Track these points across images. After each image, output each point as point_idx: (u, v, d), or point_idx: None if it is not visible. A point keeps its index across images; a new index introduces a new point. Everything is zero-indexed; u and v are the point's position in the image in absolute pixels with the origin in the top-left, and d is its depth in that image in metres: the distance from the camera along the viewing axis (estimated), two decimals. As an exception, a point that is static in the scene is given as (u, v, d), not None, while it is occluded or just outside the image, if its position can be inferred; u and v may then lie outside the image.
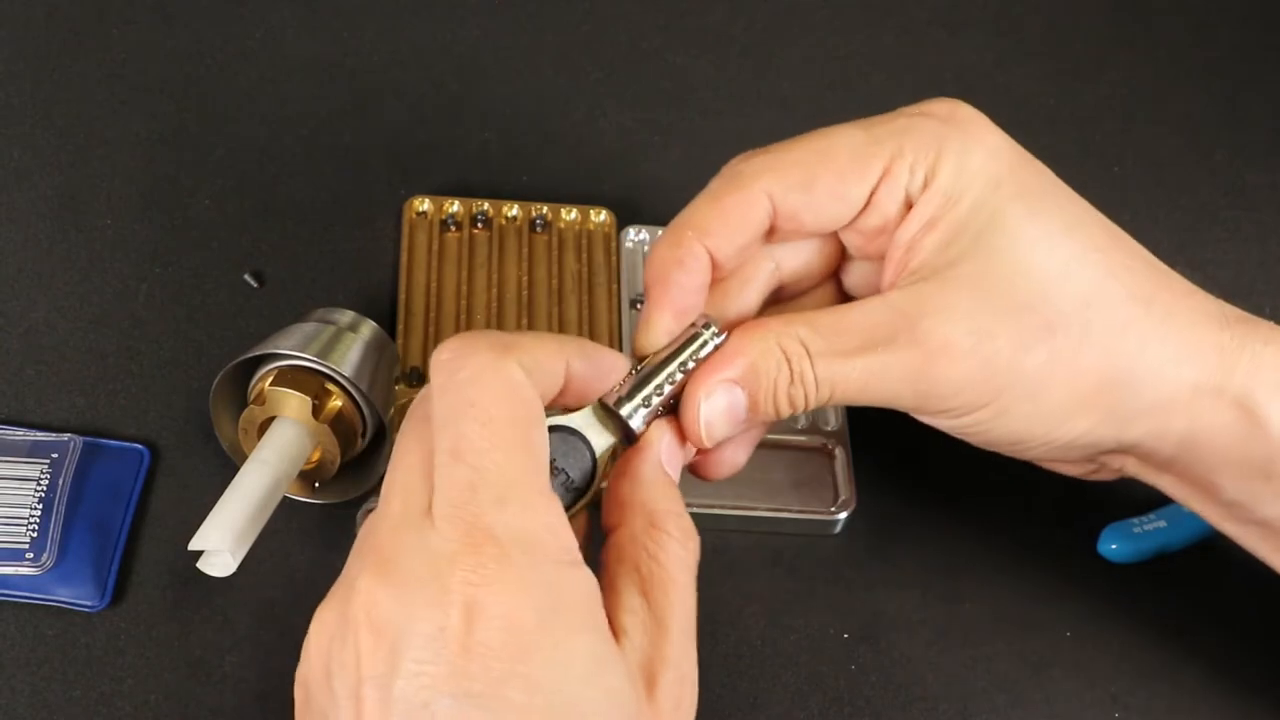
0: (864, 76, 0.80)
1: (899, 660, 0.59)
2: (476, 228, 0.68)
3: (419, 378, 0.62)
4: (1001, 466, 0.63)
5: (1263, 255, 0.75)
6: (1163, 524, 0.61)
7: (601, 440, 0.48)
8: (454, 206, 0.68)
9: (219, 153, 0.71)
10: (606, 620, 0.42)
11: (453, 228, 0.68)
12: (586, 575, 0.42)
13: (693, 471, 0.52)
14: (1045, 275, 0.48)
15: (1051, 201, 0.49)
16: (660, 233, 0.68)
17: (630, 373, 0.49)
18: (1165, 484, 0.53)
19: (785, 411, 0.49)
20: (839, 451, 0.62)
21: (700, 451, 0.50)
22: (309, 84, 0.75)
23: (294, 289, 0.66)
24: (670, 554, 0.45)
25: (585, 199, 0.70)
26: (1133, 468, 0.53)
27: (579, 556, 0.42)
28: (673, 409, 0.49)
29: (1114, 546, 0.61)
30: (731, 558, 0.60)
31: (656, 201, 0.71)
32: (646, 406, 0.48)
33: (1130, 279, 0.49)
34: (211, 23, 0.76)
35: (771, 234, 0.50)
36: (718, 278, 0.50)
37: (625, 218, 0.69)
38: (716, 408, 0.48)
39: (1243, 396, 0.49)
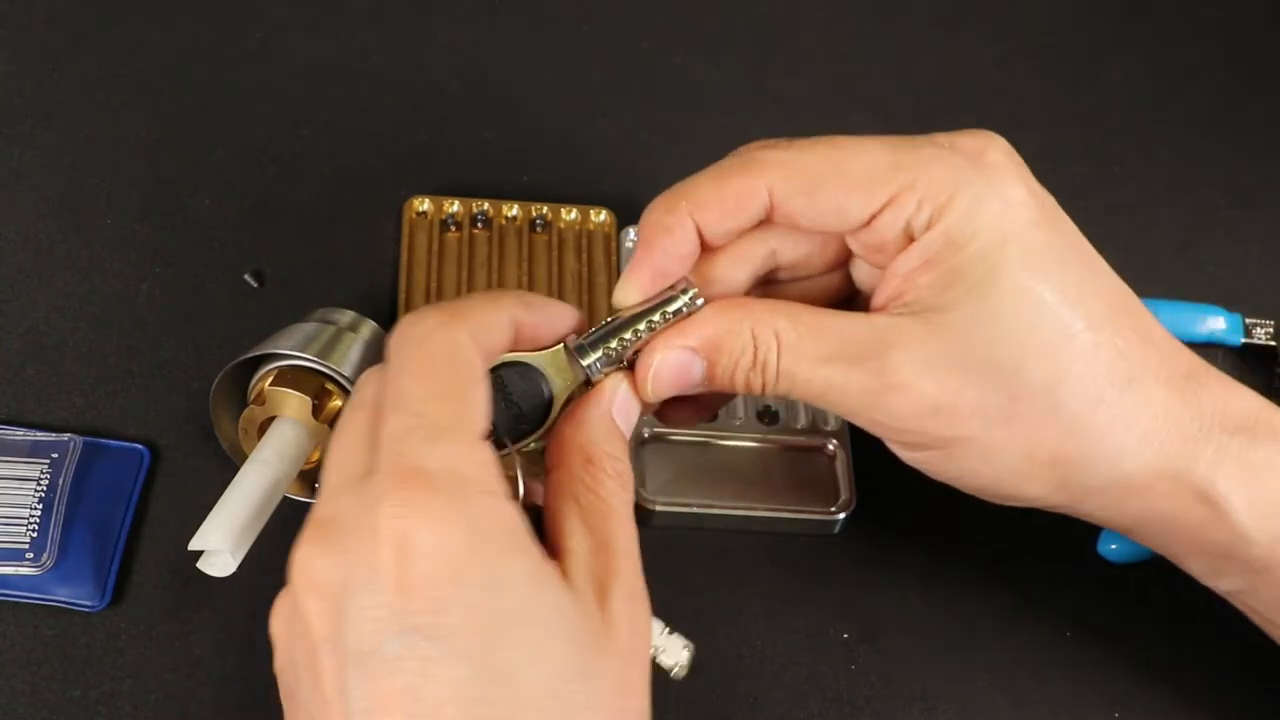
0: (864, 76, 0.80)
1: (899, 660, 0.59)
2: (476, 228, 0.68)
3: (419, 378, 0.62)
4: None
5: (1263, 255, 0.75)
6: (1163, 524, 0.61)
7: (561, 380, 0.49)
8: (454, 206, 0.69)
9: (219, 153, 0.71)
10: (539, 546, 0.43)
11: (453, 228, 0.68)
12: (514, 507, 0.43)
13: (658, 417, 0.53)
14: (1026, 345, 0.47)
15: (1056, 268, 0.48)
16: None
17: (604, 323, 0.50)
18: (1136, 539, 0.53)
19: (741, 390, 0.50)
20: (839, 451, 0.62)
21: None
22: (309, 84, 0.75)
23: (294, 289, 0.66)
24: (607, 489, 0.46)
25: (585, 199, 0.70)
26: (1099, 523, 0.53)
27: (508, 491, 0.43)
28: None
29: (1114, 546, 0.61)
30: (731, 558, 0.60)
31: (656, 201, 0.71)
32: (608, 356, 0.49)
33: (1112, 359, 0.48)
34: (211, 23, 0.76)
35: (768, 222, 0.51)
36: (706, 250, 0.51)
37: (625, 218, 0.69)
38: (668, 366, 0.49)
39: (1205, 486, 0.49)
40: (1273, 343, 0.69)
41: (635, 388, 0.49)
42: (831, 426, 0.63)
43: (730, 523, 0.61)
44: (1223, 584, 0.52)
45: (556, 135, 0.74)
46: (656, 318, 0.49)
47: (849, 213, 0.49)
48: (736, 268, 0.51)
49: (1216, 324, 0.69)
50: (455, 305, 0.46)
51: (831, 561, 0.61)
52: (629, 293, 0.50)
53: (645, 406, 0.51)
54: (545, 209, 0.69)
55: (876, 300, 0.50)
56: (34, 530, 0.56)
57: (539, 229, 0.68)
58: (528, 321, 0.48)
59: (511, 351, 0.48)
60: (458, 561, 0.40)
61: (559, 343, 0.49)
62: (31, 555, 0.56)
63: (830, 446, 0.63)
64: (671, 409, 0.53)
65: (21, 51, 0.73)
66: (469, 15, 0.79)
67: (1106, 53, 0.84)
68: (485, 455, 0.43)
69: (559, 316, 0.49)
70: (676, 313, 0.50)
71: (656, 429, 0.62)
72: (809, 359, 0.49)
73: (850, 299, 0.53)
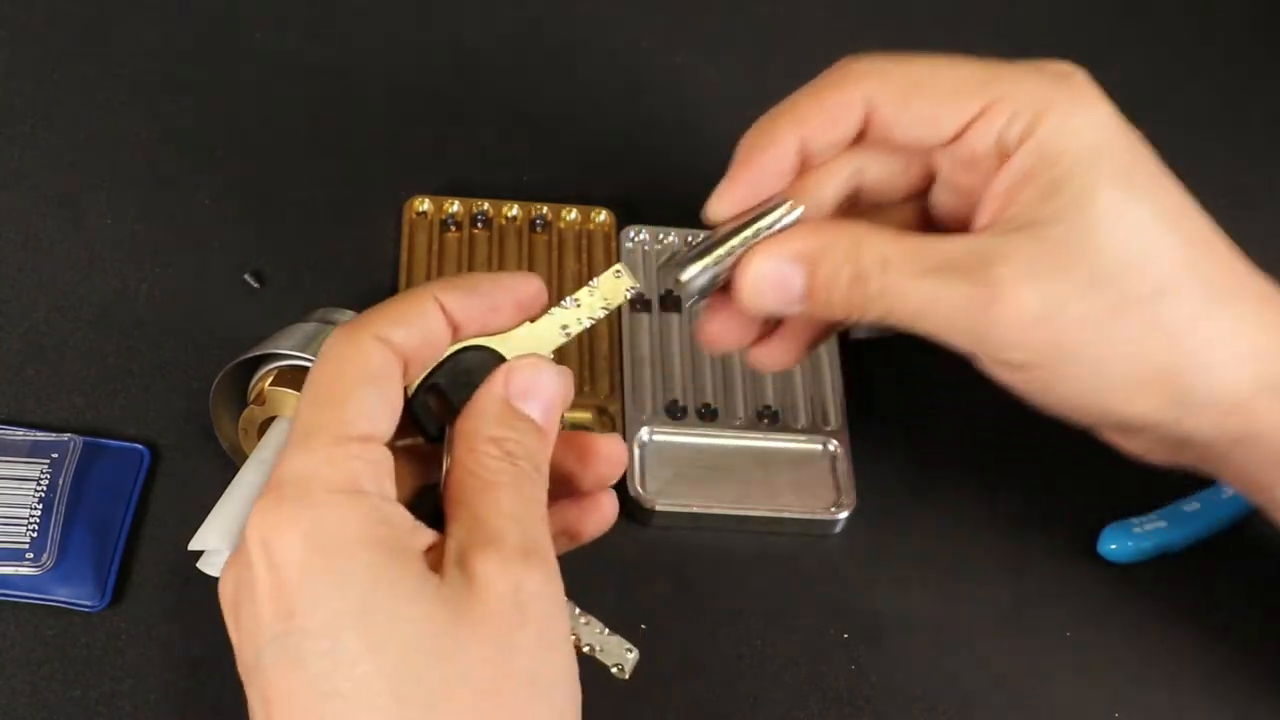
0: (864, 76, 0.80)
1: (899, 660, 0.59)
2: (476, 228, 0.68)
3: (419, 378, 0.62)
4: (1003, 467, 0.63)
5: (1263, 255, 0.74)
6: (1163, 524, 0.61)
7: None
8: (454, 206, 0.69)
9: (219, 153, 0.71)
10: (395, 534, 0.43)
11: (453, 228, 0.68)
12: (367, 501, 0.43)
13: (750, 361, 0.54)
14: (1127, 255, 0.48)
15: (1147, 184, 0.50)
16: (659, 231, 0.68)
17: (700, 239, 0.50)
18: (1225, 477, 0.53)
19: (839, 310, 0.50)
20: (839, 451, 0.62)
21: (756, 339, 0.53)
22: (309, 84, 0.75)
23: (294, 289, 0.66)
24: (485, 465, 0.45)
25: (585, 199, 0.70)
26: (1189, 457, 0.53)
27: (365, 486, 0.43)
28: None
29: (1114, 546, 0.61)
30: (731, 558, 0.60)
31: (656, 201, 0.71)
32: (707, 269, 0.49)
33: (1209, 274, 0.50)
34: (211, 23, 0.76)
35: (862, 138, 0.51)
36: (804, 169, 0.51)
37: (625, 218, 0.69)
38: (768, 276, 0.50)
39: None
40: (1273, 343, 0.69)
41: (538, 364, 0.48)
42: (832, 426, 0.63)
43: (730, 523, 0.61)
44: None
45: (556, 135, 0.74)
46: (750, 233, 0.50)
47: (942, 122, 0.50)
48: (824, 185, 0.52)
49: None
50: (372, 308, 0.47)
51: (831, 561, 0.61)
52: (723, 206, 0.50)
53: (739, 327, 0.52)
54: (545, 209, 0.69)
55: (979, 221, 0.50)
56: (34, 530, 0.56)
57: (539, 229, 0.68)
58: (465, 306, 0.47)
59: (476, 336, 0.48)
60: (300, 565, 0.42)
61: (524, 321, 0.48)
62: (31, 555, 0.56)
63: (830, 446, 0.63)
64: (762, 350, 0.54)
65: (21, 51, 0.73)
66: (469, 15, 0.79)
67: (1106, 53, 0.83)
68: (343, 453, 0.43)
69: (491, 289, 0.48)
70: (771, 225, 0.50)
71: (656, 431, 0.62)
72: (912, 271, 0.49)
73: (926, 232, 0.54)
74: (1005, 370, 0.51)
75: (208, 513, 0.53)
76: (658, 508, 0.60)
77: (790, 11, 0.82)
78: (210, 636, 0.55)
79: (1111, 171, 0.49)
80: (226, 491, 0.54)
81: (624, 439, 0.51)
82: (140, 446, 0.60)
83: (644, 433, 0.62)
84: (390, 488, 0.44)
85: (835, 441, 0.63)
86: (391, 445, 0.46)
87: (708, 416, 0.63)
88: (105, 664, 0.55)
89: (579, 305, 0.49)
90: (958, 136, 0.50)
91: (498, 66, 0.77)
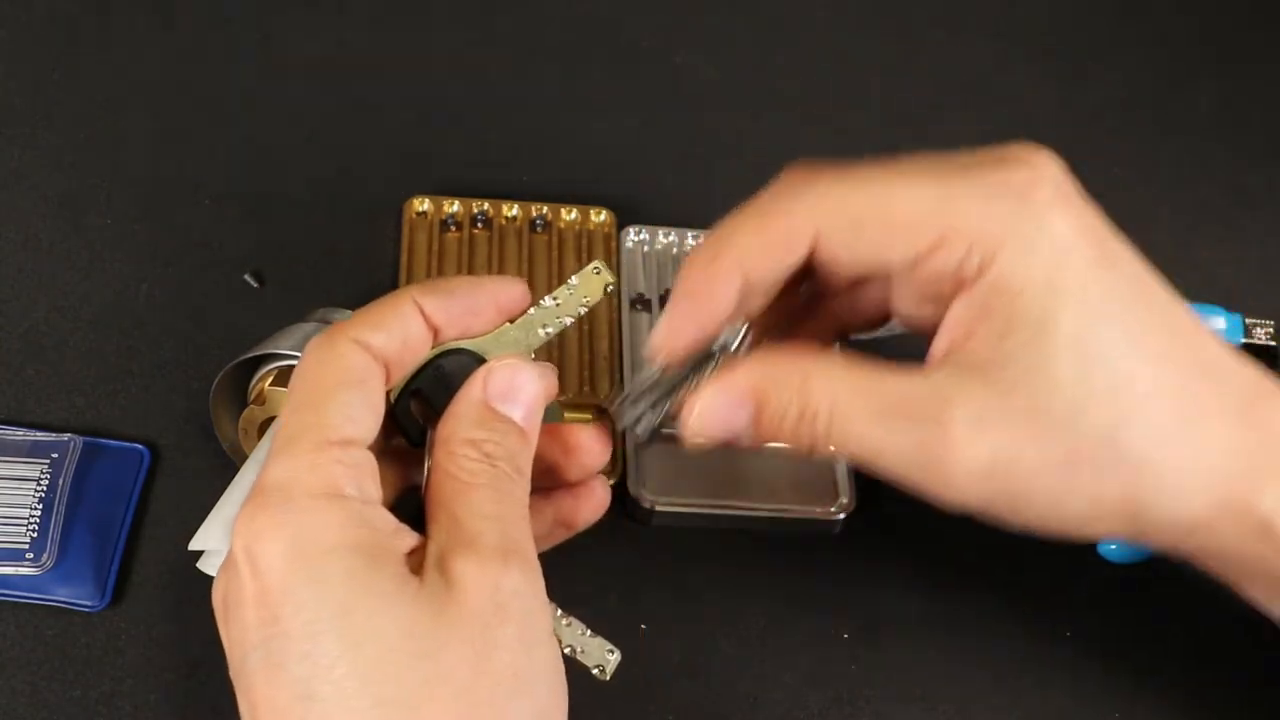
0: (864, 76, 0.80)
1: (899, 660, 0.59)
2: (476, 228, 0.68)
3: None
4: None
5: (1263, 255, 0.75)
6: (1163, 524, 0.61)
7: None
8: (454, 206, 0.69)
9: (219, 153, 0.71)
10: (376, 538, 0.43)
11: (453, 228, 0.68)
12: (349, 505, 0.43)
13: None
14: (1084, 400, 0.46)
15: (1113, 310, 0.47)
16: (659, 231, 0.68)
17: (646, 373, 0.50)
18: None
19: (789, 443, 0.49)
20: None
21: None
22: (309, 84, 0.75)
23: (294, 289, 0.66)
24: (464, 467, 0.46)
25: (585, 199, 0.70)
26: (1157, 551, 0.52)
27: (346, 490, 0.44)
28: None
29: (1114, 546, 0.61)
30: (731, 558, 0.60)
31: (656, 201, 0.71)
32: (654, 409, 0.49)
33: (1174, 397, 0.47)
34: (211, 23, 0.76)
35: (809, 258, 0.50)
36: (746, 292, 0.50)
37: (625, 218, 0.69)
38: (713, 410, 0.49)
39: (1269, 521, 0.48)
40: (1273, 343, 0.69)
41: (519, 369, 0.48)
42: (831, 426, 0.63)
43: (730, 523, 0.61)
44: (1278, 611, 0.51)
45: (556, 135, 0.74)
46: (706, 363, 0.49)
47: (893, 255, 0.48)
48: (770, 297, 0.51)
49: (1216, 324, 0.69)
50: (349, 319, 0.47)
51: (831, 561, 0.61)
52: (667, 346, 0.49)
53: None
54: (545, 209, 0.69)
55: (936, 348, 0.48)
56: (34, 530, 0.56)
57: (539, 229, 0.68)
58: (444, 308, 0.48)
59: (456, 339, 0.48)
60: (282, 571, 0.42)
61: (503, 322, 0.49)
62: (31, 555, 0.56)
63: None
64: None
65: (21, 51, 0.73)
66: (469, 15, 0.79)
67: (1106, 53, 0.84)
68: (324, 458, 0.44)
69: (471, 291, 0.49)
70: (723, 348, 0.49)
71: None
72: (860, 414, 0.47)
73: (884, 321, 0.53)
74: (958, 508, 0.49)
75: (208, 513, 0.53)
76: (658, 508, 0.60)
77: (790, 11, 0.82)
78: (210, 636, 0.55)
79: (1072, 303, 0.46)
80: (226, 491, 0.54)
81: (611, 430, 0.51)
82: (140, 446, 0.60)
83: (645, 433, 0.62)
84: (373, 491, 0.45)
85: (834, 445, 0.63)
86: (377, 448, 0.46)
87: (708, 416, 0.63)
88: (105, 664, 0.55)
89: (559, 304, 0.49)
90: (913, 266, 0.48)
91: (498, 66, 0.77)
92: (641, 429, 0.49)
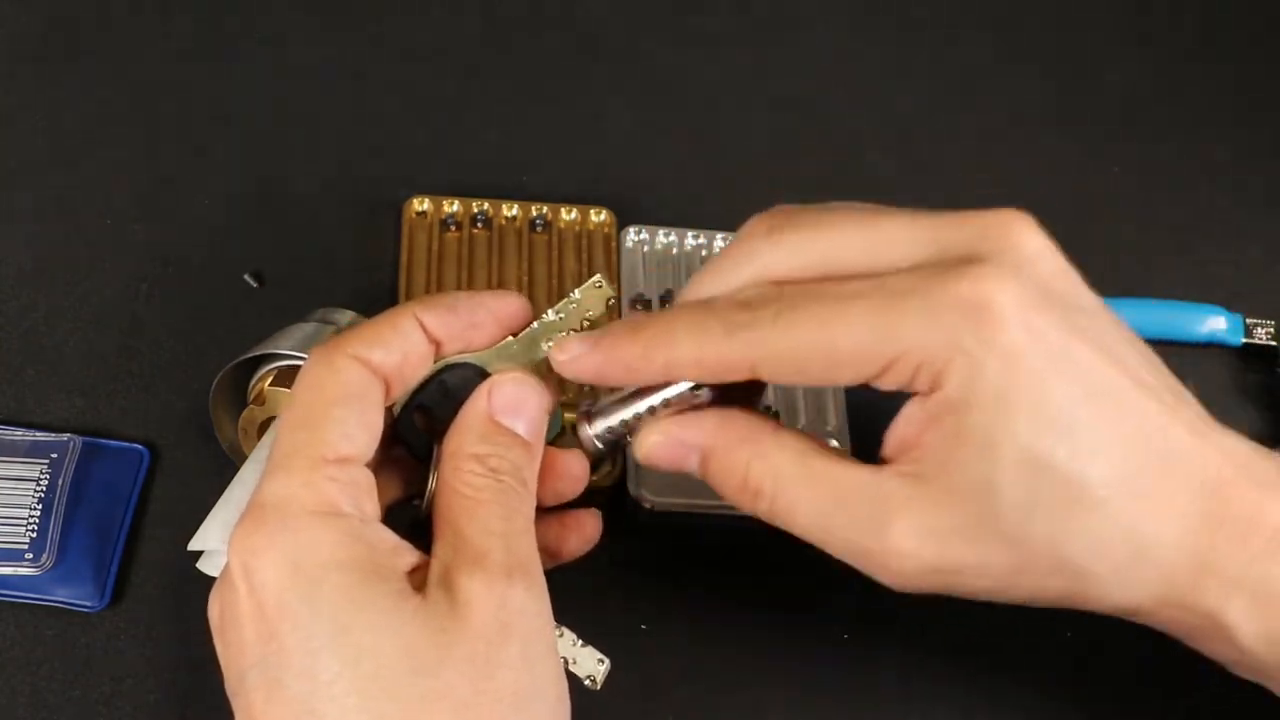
0: (864, 76, 0.80)
1: (899, 660, 0.59)
2: (476, 228, 0.68)
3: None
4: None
5: (1263, 255, 0.75)
6: (1163, 524, 0.61)
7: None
8: (454, 206, 0.69)
9: (219, 153, 0.71)
10: (373, 554, 0.43)
11: (453, 228, 0.68)
12: (342, 522, 0.44)
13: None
14: (1031, 515, 0.45)
15: (1066, 421, 0.45)
16: (659, 231, 0.68)
17: (610, 398, 0.49)
18: None
19: (732, 502, 0.49)
20: (839, 451, 0.62)
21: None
22: (309, 84, 0.75)
23: (294, 289, 0.66)
24: (469, 482, 0.46)
25: (585, 199, 0.70)
26: None
27: (342, 507, 0.44)
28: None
29: (1114, 546, 0.61)
30: (731, 558, 0.60)
31: (656, 201, 0.71)
32: (610, 431, 0.49)
33: (1126, 506, 0.46)
34: (211, 23, 0.76)
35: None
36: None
37: (625, 218, 0.69)
38: (665, 449, 0.49)
39: (1214, 615, 0.47)
40: (1273, 343, 0.69)
41: (523, 383, 0.48)
42: (831, 426, 0.63)
43: (730, 523, 0.61)
44: (1238, 673, 0.51)
45: (556, 135, 0.74)
46: (658, 402, 0.48)
47: (842, 381, 0.47)
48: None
49: (1216, 324, 0.69)
50: (346, 334, 0.47)
51: (831, 562, 0.61)
52: (594, 371, 0.48)
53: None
54: (545, 209, 0.69)
55: (887, 446, 0.47)
56: (33, 530, 0.56)
57: (539, 229, 0.68)
58: (444, 323, 0.48)
59: (459, 353, 0.48)
60: (278, 588, 0.43)
61: (506, 336, 0.49)
62: (31, 555, 0.56)
63: (831, 446, 0.63)
64: None
65: (22, 52, 0.73)
66: (469, 15, 0.79)
67: (1106, 53, 0.84)
68: (319, 476, 0.44)
69: (469, 307, 0.48)
70: (677, 398, 0.48)
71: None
72: (806, 503, 0.47)
73: None
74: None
75: (208, 513, 0.53)
76: (658, 508, 0.60)
77: (790, 11, 0.82)
78: (210, 636, 0.55)
79: (1022, 418, 0.44)
80: (226, 491, 0.54)
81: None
82: (140, 446, 0.60)
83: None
84: (370, 508, 0.45)
85: (835, 441, 0.63)
86: (375, 462, 0.46)
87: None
88: (105, 664, 0.55)
89: (561, 318, 0.49)
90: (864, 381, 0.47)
91: (498, 66, 0.77)
92: (594, 448, 0.49)
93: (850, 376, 0.46)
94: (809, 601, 0.60)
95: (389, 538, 0.45)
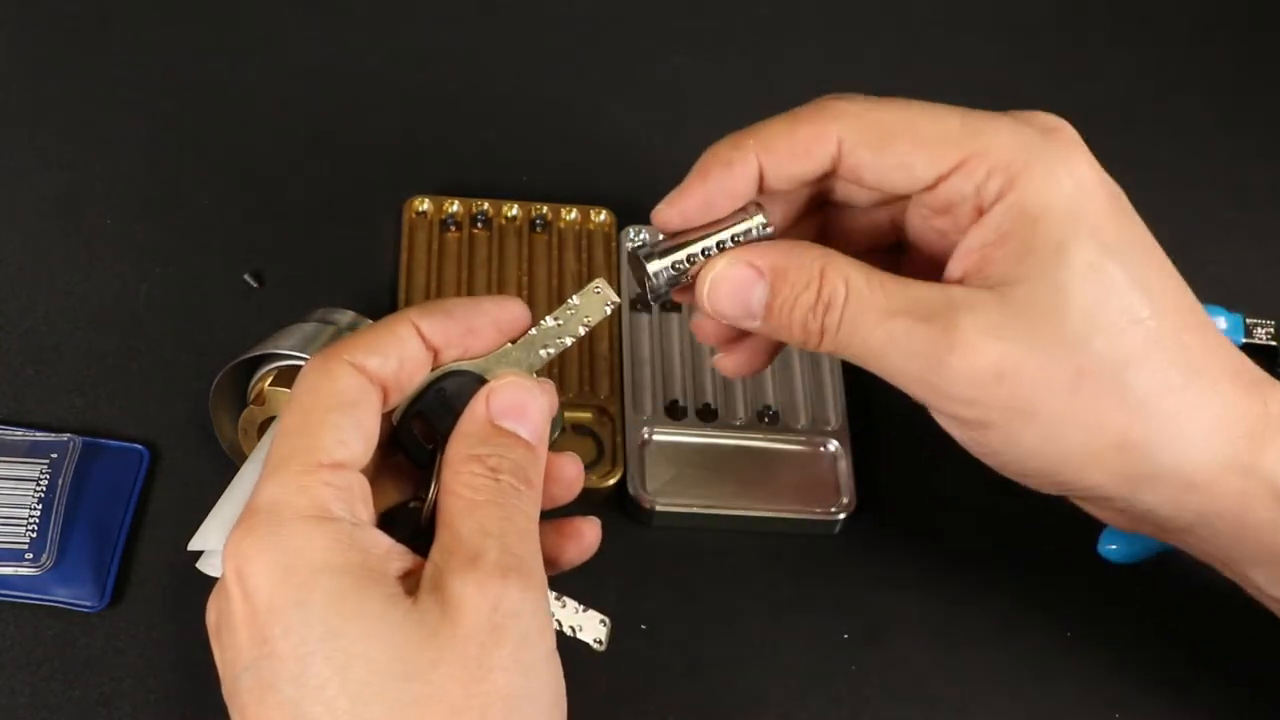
0: (864, 76, 0.80)
1: (899, 660, 0.59)
2: (476, 228, 0.68)
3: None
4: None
5: (1263, 255, 0.75)
6: (1163, 524, 0.61)
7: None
8: (454, 206, 0.68)
9: (219, 153, 0.71)
10: (365, 558, 0.43)
11: (453, 228, 0.68)
12: (334, 526, 0.44)
13: (717, 366, 0.54)
14: (1096, 323, 0.47)
15: (1126, 249, 0.48)
16: (659, 231, 0.68)
17: (669, 236, 0.49)
18: (1191, 550, 0.52)
19: (797, 334, 0.49)
20: (839, 451, 0.62)
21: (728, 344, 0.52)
22: (309, 84, 0.75)
23: (294, 289, 0.66)
24: (468, 483, 0.46)
25: (585, 199, 0.70)
26: (1150, 529, 0.51)
27: (335, 511, 0.44)
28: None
29: (1114, 547, 0.61)
30: (731, 558, 0.60)
31: (656, 201, 0.70)
32: (674, 269, 0.49)
33: (1180, 346, 0.48)
34: (211, 23, 0.76)
35: (832, 174, 0.50)
36: (763, 193, 0.50)
37: (625, 218, 0.69)
38: (730, 281, 0.49)
39: (1273, 479, 0.48)
40: (1273, 343, 0.69)
41: (529, 384, 0.48)
42: (832, 426, 0.63)
43: (730, 523, 0.61)
44: None
45: (556, 135, 0.74)
46: (726, 238, 0.49)
47: (916, 171, 0.48)
48: (791, 202, 0.51)
49: (1217, 324, 0.69)
50: (344, 340, 0.47)
51: (831, 561, 0.61)
52: (672, 215, 0.49)
53: (703, 323, 0.51)
54: (545, 209, 0.69)
55: (951, 273, 0.49)
56: (33, 530, 0.56)
57: (539, 229, 0.68)
58: (443, 330, 0.48)
59: (457, 360, 0.48)
60: (269, 592, 0.43)
61: (505, 342, 0.49)
62: (31, 555, 0.56)
63: (830, 446, 0.63)
64: (719, 359, 0.54)
65: (21, 51, 0.73)
66: (468, 15, 0.79)
67: (1106, 53, 0.84)
68: (313, 480, 0.44)
69: (486, 312, 0.49)
70: (746, 234, 0.49)
71: (656, 431, 0.62)
72: (875, 308, 0.47)
73: (895, 246, 0.53)
74: (956, 426, 0.49)
75: (208, 513, 0.53)
76: (658, 508, 0.60)
77: (790, 11, 0.82)
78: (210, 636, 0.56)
79: (1089, 234, 0.47)
80: (226, 491, 0.54)
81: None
82: (140, 446, 0.60)
83: (644, 433, 0.62)
84: (363, 513, 0.45)
85: (835, 441, 0.63)
86: (371, 469, 0.46)
87: (708, 416, 0.63)
88: (105, 664, 0.55)
89: (560, 324, 0.49)
90: (932, 187, 0.48)
91: (497, 66, 0.77)
92: (657, 284, 0.49)
93: (926, 164, 0.48)
94: (809, 601, 0.60)
95: (382, 542, 0.45)
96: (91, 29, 0.75)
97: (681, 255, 0.49)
